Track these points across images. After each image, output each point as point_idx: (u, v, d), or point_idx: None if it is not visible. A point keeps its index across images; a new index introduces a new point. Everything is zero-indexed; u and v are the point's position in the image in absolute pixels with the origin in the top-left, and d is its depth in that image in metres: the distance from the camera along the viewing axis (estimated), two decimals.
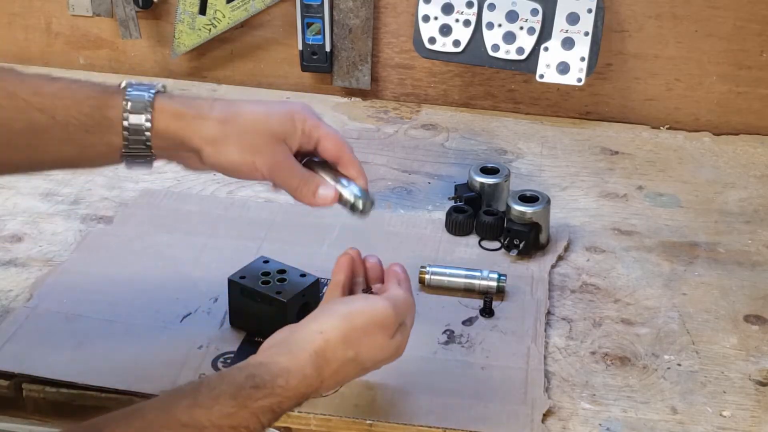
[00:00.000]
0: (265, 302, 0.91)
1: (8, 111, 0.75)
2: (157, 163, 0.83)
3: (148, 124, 0.78)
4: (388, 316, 0.78)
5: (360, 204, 0.86)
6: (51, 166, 0.82)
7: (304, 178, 0.84)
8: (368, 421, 0.85)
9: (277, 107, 0.84)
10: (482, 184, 1.16)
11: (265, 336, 0.91)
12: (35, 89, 0.77)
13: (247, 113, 0.82)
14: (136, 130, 0.78)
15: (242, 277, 0.92)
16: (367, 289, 0.86)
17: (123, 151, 0.79)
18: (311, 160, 0.87)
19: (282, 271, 0.94)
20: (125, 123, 0.78)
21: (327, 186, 0.85)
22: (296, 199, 0.85)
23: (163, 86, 0.82)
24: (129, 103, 0.78)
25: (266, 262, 0.95)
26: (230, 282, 0.93)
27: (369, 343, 0.77)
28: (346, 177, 0.87)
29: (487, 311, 0.98)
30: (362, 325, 0.77)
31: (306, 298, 0.93)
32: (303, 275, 0.93)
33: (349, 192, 0.86)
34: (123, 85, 0.80)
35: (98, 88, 0.80)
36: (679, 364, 0.94)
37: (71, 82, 0.80)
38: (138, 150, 0.80)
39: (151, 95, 0.79)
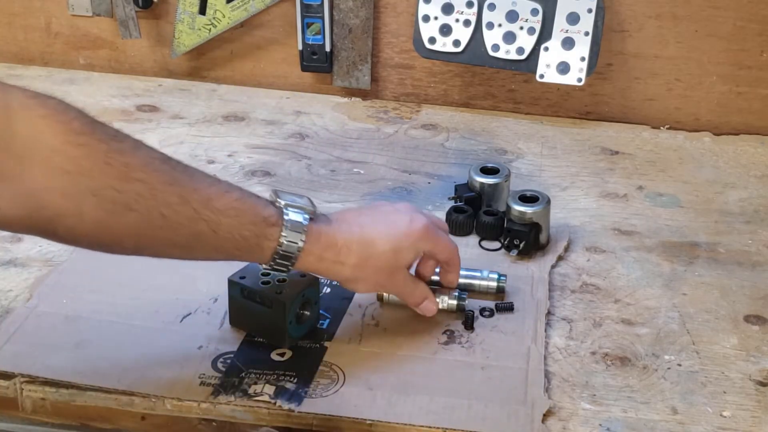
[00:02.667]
0: (265, 302, 0.91)
1: (179, 217, 0.79)
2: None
3: (294, 261, 0.86)
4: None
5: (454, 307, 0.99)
6: (193, 260, 0.87)
7: (413, 291, 0.96)
8: (368, 421, 0.84)
9: (401, 237, 0.92)
10: (482, 184, 1.16)
11: (265, 336, 0.91)
12: (206, 201, 0.81)
13: (378, 254, 0.90)
14: (282, 263, 0.86)
15: (242, 277, 0.92)
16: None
17: (265, 268, 0.88)
18: None
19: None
20: (276, 257, 0.85)
21: (431, 300, 0.96)
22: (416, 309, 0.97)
23: (311, 202, 0.89)
24: (284, 242, 0.84)
25: None
26: (230, 282, 0.93)
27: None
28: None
29: (469, 326, 0.97)
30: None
31: (306, 298, 0.93)
32: (303, 275, 0.93)
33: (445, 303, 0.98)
34: (279, 203, 0.86)
35: (261, 215, 0.84)
36: (680, 365, 0.94)
37: (239, 200, 0.84)
38: (278, 271, 0.87)
39: (304, 232, 0.85)
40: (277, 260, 0.85)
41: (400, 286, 0.94)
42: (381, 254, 0.90)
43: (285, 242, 0.84)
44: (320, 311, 0.97)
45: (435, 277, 0.98)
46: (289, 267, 0.86)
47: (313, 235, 0.86)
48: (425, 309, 0.96)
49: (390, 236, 0.91)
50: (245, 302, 0.92)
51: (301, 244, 0.85)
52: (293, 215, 0.85)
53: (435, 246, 0.94)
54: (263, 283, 0.92)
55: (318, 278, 0.94)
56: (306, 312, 0.93)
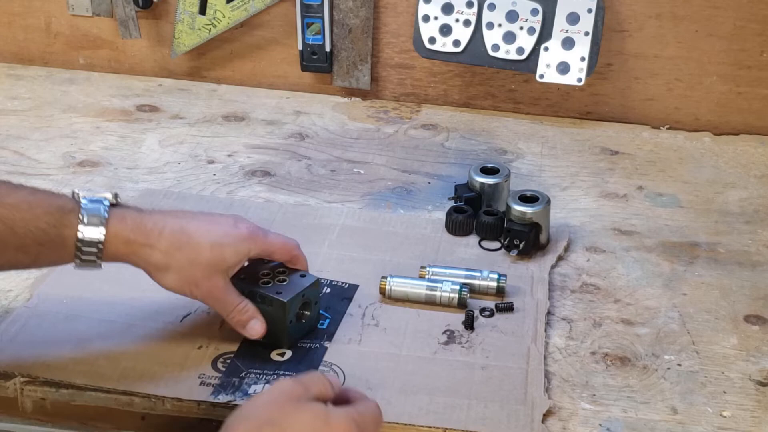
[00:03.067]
0: (265, 302, 0.91)
1: None
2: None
3: (101, 246, 0.83)
4: (286, 384, 0.75)
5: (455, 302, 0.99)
6: (2, 269, 0.86)
7: (237, 309, 0.89)
8: None
9: (221, 237, 0.87)
10: (482, 184, 1.16)
11: (265, 336, 0.91)
12: None
13: (191, 246, 0.85)
14: (88, 253, 0.83)
15: (242, 278, 0.92)
16: None
17: (74, 263, 0.84)
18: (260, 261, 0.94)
19: (282, 272, 0.94)
20: (79, 244, 0.82)
21: (257, 320, 0.89)
22: (231, 324, 0.90)
23: (116, 195, 0.85)
24: (84, 229, 0.82)
25: (266, 262, 0.95)
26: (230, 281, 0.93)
27: (279, 410, 0.73)
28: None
29: (469, 326, 0.97)
30: (262, 402, 0.74)
31: (306, 298, 0.93)
32: (303, 275, 0.93)
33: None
34: (77, 194, 0.84)
35: (55, 204, 0.82)
36: (680, 365, 0.94)
37: (30, 194, 0.83)
38: (90, 266, 0.84)
39: (105, 216, 0.82)
40: (83, 249, 0.82)
41: (218, 293, 0.87)
42: (197, 245, 0.85)
43: (85, 227, 0.81)
44: (320, 311, 0.97)
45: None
46: (97, 258, 0.83)
47: (116, 217, 0.83)
48: (251, 330, 0.89)
49: (210, 231, 0.87)
50: None
51: (102, 228, 0.82)
52: (91, 203, 0.83)
53: (267, 246, 0.90)
54: (263, 283, 0.92)
55: (318, 279, 0.94)
56: (306, 312, 0.93)
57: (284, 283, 0.92)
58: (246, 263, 0.92)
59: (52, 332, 0.93)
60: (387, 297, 1.01)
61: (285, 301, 0.90)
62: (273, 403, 0.74)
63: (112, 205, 0.84)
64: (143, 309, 0.97)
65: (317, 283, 0.94)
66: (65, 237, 0.82)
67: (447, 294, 0.99)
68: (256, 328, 0.89)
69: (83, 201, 0.83)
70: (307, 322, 0.94)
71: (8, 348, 0.90)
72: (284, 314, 0.90)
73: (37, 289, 1.00)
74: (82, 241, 0.82)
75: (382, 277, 1.01)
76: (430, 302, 1.00)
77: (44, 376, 0.87)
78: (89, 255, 0.83)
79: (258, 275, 0.93)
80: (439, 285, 1.00)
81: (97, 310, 0.97)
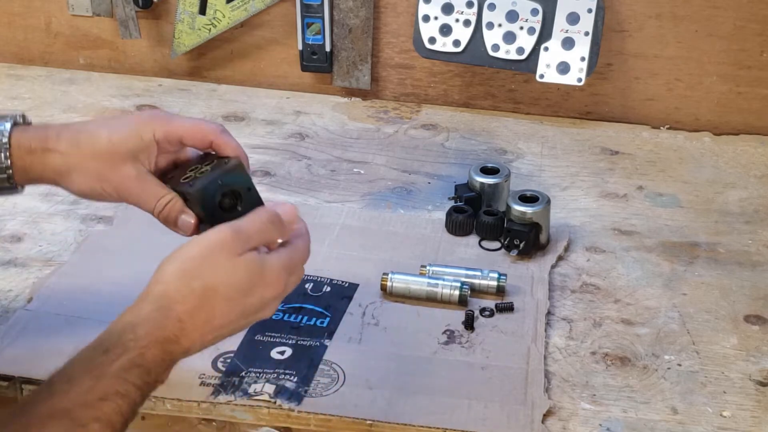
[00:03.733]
0: (185, 201, 0.82)
1: None
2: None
3: (8, 163, 0.81)
4: (224, 236, 0.74)
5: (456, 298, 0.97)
6: None
7: (161, 202, 0.81)
8: (368, 421, 0.85)
9: (119, 126, 0.82)
10: (482, 184, 1.16)
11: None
12: None
13: (88, 140, 0.81)
14: None
15: (169, 178, 0.84)
16: None
17: None
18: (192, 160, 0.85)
19: (208, 164, 0.83)
20: None
21: (187, 213, 0.81)
22: (161, 222, 0.83)
23: (22, 116, 0.83)
24: None
25: (201, 161, 0.85)
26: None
27: (211, 267, 0.73)
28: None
29: (469, 326, 0.97)
30: (197, 252, 0.73)
31: (225, 186, 0.81)
32: (226, 162, 0.82)
33: None
34: None
35: None
36: (680, 365, 0.94)
37: None
38: (2, 183, 0.82)
39: (8, 130, 0.81)
40: None
41: (131, 183, 0.81)
42: (94, 137, 0.81)
43: None
44: (314, 307, 0.95)
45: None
46: (7, 174, 0.80)
47: (18, 129, 0.81)
48: (183, 225, 0.81)
49: (108, 122, 0.83)
50: None
51: (5, 133, 0.80)
52: None
53: (173, 127, 0.82)
54: (184, 179, 0.83)
55: (240, 162, 0.83)
56: (233, 201, 0.81)
57: (204, 175, 0.82)
58: (176, 167, 0.85)
59: (53, 334, 0.93)
60: (389, 294, 1.01)
61: (193, 191, 0.80)
62: (204, 257, 0.73)
63: (17, 124, 0.82)
64: None
65: (240, 167, 0.82)
66: None
67: (448, 291, 0.99)
68: (186, 220, 0.81)
69: None
70: (242, 211, 0.80)
71: (9, 350, 0.90)
72: (200, 207, 0.80)
73: (37, 291, 1.00)
74: None
75: (384, 274, 1.01)
76: (431, 299, 1.00)
77: (44, 378, 0.87)
78: None
79: (185, 173, 0.83)
80: (440, 281, 1.00)
81: (97, 312, 0.96)
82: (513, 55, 1.38)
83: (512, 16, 1.37)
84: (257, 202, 0.82)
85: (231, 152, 0.84)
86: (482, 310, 1.00)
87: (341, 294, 1.01)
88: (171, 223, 0.82)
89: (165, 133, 0.82)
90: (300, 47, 1.47)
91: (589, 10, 1.35)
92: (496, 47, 1.39)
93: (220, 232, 0.74)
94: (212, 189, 0.80)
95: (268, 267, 0.75)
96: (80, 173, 0.81)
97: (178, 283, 0.72)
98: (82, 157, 0.81)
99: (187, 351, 0.73)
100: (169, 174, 0.85)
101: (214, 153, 0.84)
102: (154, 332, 0.70)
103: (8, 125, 0.81)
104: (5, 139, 0.81)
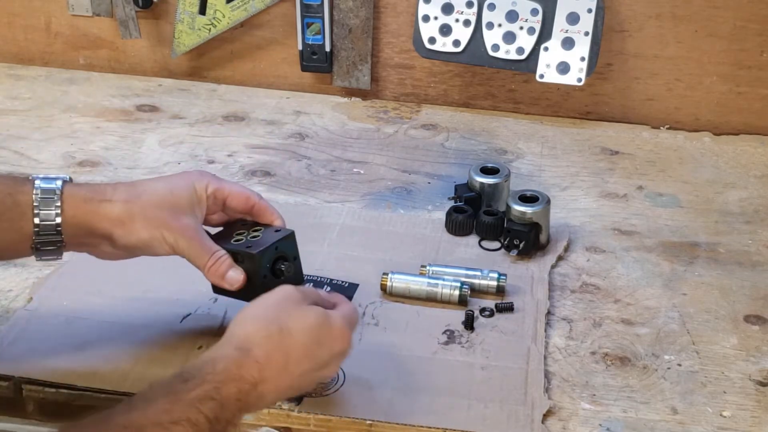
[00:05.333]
0: (237, 259, 0.88)
1: None
2: (67, 254, 0.86)
3: (58, 211, 0.82)
4: (290, 290, 0.81)
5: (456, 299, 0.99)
6: None
7: (214, 256, 0.86)
8: (368, 421, 0.85)
9: (177, 180, 0.88)
10: (482, 184, 1.16)
11: (244, 296, 0.87)
12: None
13: (149, 191, 0.85)
14: (46, 215, 0.82)
15: (216, 236, 0.90)
16: None
17: (34, 238, 0.83)
18: (237, 223, 0.92)
19: (257, 229, 0.91)
20: (36, 210, 0.82)
21: (236, 269, 0.86)
22: (207, 278, 0.87)
23: (70, 177, 0.85)
24: (39, 191, 0.82)
25: (245, 222, 0.92)
26: None
27: (286, 312, 0.78)
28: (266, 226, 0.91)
29: (469, 326, 0.97)
30: (272, 302, 0.80)
31: (280, 252, 0.88)
32: (278, 230, 0.90)
33: None
34: (32, 176, 0.84)
35: (9, 177, 0.84)
36: (680, 365, 0.94)
37: None
38: (49, 237, 0.83)
39: (60, 184, 0.83)
40: (41, 216, 0.81)
41: (191, 233, 0.85)
42: (154, 190, 0.85)
43: (42, 190, 0.82)
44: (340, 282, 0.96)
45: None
46: (56, 223, 0.82)
47: (69, 185, 0.84)
48: (231, 279, 0.86)
49: (161, 179, 0.89)
50: None
51: (57, 184, 0.82)
52: (43, 179, 0.83)
53: (221, 185, 0.89)
54: (236, 241, 0.89)
55: (293, 232, 0.90)
56: (282, 267, 0.89)
57: (257, 239, 0.89)
58: (222, 228, 0.91)
59: (53, 334, 0.93)
60: (388, 293, 1.01)
61: (254, 253, 0.86)
62: (277, 305, 0.79)
63: (67, 182, 0.85)
64: (143, 310, 0.97)
65: (293, 236, 0.90)
66: (22, 205, 0.82)
67: (448, 291, 0.99)
68: (235, 277, 0.86)
69: (36, 176, 0.84)
70: (287, 277, 0.89)
71: (9, 350, 0.90)
72: (256, 268, 0.86)
73: (37, 291, 1.00)
74: (36, 197, 0.81)
75: (384, 273, 1.01)
76: (431, 298, 1.00)
77: (44, 378, 0.87)
78: (48, 221, 0.82)
79: (232, 234, 0.90)
80: (440, 281, 1.00)
81: (97, 312, 0.97)
82: (513, 55, 1.38)
83: (512, 16, 1.37)
84: (300, 270, 0.91)
85: (271, 216, 0.91)
86: (482, 310, 1.00)
87: (341, 294, 1.01)
88: (219, 277, 0.86)
89: (215, 191, 0.89)
90: (300, 47, 1.47)
91: (589, 10, 1.35)
92: (496, 47, 1.39)
93: (284, 288, 0.82)
94: (270, 252, 0.87)
95: (333, 318, 0.80)
96: (143, 221, 0.84)
97: (256, 327, 0.77)
98: (146, 205, 0.84)
99: (262, 397, 0.75)
100: (215, 235, 0.90)
101: (249, 219, 0.92)
102: (232, 369, 0.74)
103: (59, 181, 0.84)
104: (58, 189, 0.83)
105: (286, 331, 0.77)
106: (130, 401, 0.70)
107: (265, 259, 0.87)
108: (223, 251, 0.87)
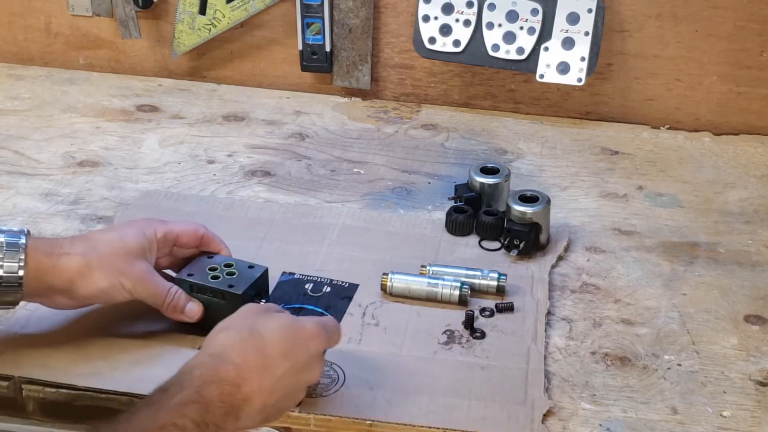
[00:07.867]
0: (217, 296, 0.92)
1: None
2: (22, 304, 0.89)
3: (22, 264, 0.84)
4: (257, 305, 0.85)
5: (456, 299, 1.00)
6: None
7: (170, 293, 0.91)
8: (368, 421, 0.85)
9: (127, 229, 0.92)
10: (482, 184, 1.16)
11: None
12: None
13: (103, 241, 0.89)
14: (10, 268, 0.84)
15: (190, 274, 0.93)
16: None
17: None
18: (202, 257, 0.96)
19: (229, 264, 0.95)
20: (0, 263, 0.84)
21: (193, 302, 0.92)
22: (166, 315, 0.92)
23: (28, 230, 0.88)
24: (4, 244, 0.85)
25: (210, 257, 0.96)
26: (178, 280, 0.93)
27: (252, 319, 0.81)
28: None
29: (469, 326, 0.97)
30: (239, 315, 0.82)
31: (258, 288, 0.94)
32: (251, 266, 0.95)
33: None
34: None
35: None
36: (680, 365, 0.94)
37: None
38: (10, 290, 0.85)
39: (24, 239, 0.85)
40: (4, 267, 0.84)
41: (148, 276, 0.90)
42: (107, 240, 0.89)
43: (6, 245, 0.84)
44: (317, 309, 0.96)
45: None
46: (18, 276, 0.84)
47: (31, 237, 0.86)
48: (191, 312, 0.92)
49: (111, 229, 0.95)
50: (197, 298, 0.93)
51: (23, 238, 0.85)
52: (7, 233, 0.86)
53: (169, 227, 0.93)
54: (213, 278, 0.93)
55: (267, 268, 0.95)
56: (260, 303, 0.91)
57: (234, 276, 0.93)
58: (190, 264, 0.95)
59: (53, 334, 0.93)
60: (388, 293, 1.01)
61: (239, 293, 0.91)
62: (245, 316, 0.82)
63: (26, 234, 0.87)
64: (143, 311, 0.97)
65: (266, 274, 0.95)
66: None
67: (448, 291, 0.99)
68: (194, 309, 0.92)
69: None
70: None
71: (9, 350, 0.90)
72: (238, 305, 0.87)
73: None
74: (2, 259, 0.84)
75: (384, 274, 1.01)
76: (431, 298, 1.00)
77: (44, 378, 0.87)
78: (10, 273, 0.84)
79: (206, 270, 0.94)
80: (440, 281, 1.00)
81: (97, 312, 0.96)
82: (513, 55, 1.38)
83: (512, 16, 1.37)
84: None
85: (218, 246, 0.97)
86: (482, 310, 1.00)
87: (341, 294, 1.01)
88: (178, 311, 0.91)
89: (165, 234, 0.93)
90: (300, 47, 1.47)
91: (589, 10, 1.35)
92: (496, 47, 1.39)
93: (249, 305, 0.85)
94: (251, 290, 0.92)
95: (302, 320, 0.82)
96: (101, 270, 0.87)
97: (227, 335, 0.79)
98: (102, 256, 0.88)
99: (249, 398, 0.76)
100: (188, 271, 0.94)
101: (212, 253, 0.97)
102: (209, 372, 0.75)
103: (23, 237, 0.86)
104: (22, 244, 0.85)
105: (257, 333, 0.79)
106: (113, 419, 0.71)
107: (247, 298, 0.91)
108: (176, 287, 0.91)
